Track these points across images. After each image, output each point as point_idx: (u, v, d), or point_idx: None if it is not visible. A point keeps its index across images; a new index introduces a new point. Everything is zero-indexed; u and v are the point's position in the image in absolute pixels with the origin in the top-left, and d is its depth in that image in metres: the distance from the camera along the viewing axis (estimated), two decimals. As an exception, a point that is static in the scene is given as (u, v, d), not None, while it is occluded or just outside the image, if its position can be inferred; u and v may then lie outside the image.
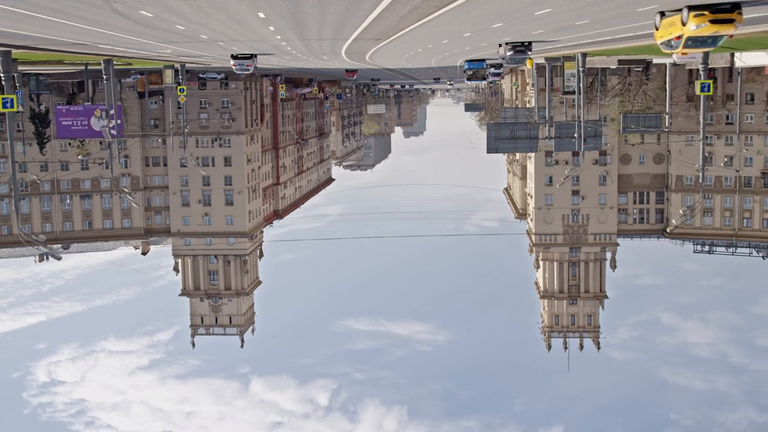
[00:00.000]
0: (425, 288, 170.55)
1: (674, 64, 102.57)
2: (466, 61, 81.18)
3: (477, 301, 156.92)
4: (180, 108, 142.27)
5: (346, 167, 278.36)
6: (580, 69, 70.60)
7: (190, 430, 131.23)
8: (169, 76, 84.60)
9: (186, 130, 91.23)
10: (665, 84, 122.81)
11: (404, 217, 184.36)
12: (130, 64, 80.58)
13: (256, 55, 66.33)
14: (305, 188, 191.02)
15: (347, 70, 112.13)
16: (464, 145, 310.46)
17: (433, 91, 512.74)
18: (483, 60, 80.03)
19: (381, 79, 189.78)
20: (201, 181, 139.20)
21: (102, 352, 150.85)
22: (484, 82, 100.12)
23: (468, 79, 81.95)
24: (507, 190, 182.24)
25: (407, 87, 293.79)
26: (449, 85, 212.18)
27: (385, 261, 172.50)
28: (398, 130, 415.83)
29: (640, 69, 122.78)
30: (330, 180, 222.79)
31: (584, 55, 70.46)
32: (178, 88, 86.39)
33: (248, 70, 68.56)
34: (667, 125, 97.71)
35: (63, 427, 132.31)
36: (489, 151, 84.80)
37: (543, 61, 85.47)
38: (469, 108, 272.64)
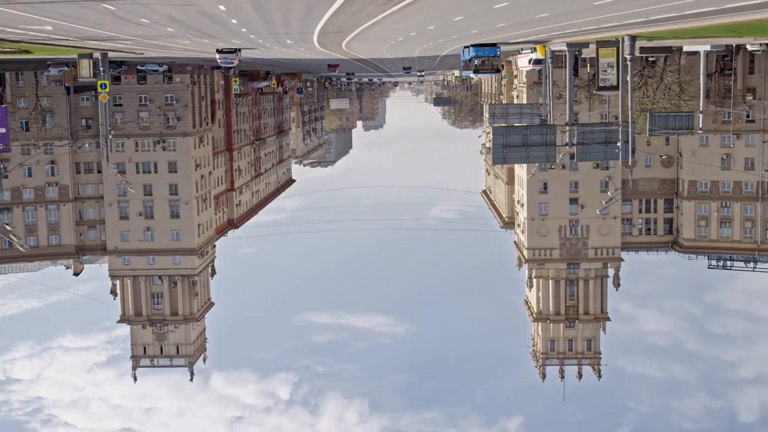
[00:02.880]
0: (385, 281, 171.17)
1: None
2: (472, 46, 63.18)
3: (437, 293, 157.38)
4: (119, 106, 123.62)
5: (306, 165, 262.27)
6: (627, 57, 52.99)
7: (150, 426, 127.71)
8: (86, 68, 65.82)
9: (110, 137, 72.83)
10: (688, 76, 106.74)
11: (364, 210, 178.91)
12: (29, 51, 61.65)
13: (240, 50, 68.32)
14: (264, 192, 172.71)
15: (329, 65, 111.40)
16: (429, 137, 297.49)
17: (395, 84, 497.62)
18: (495, 45, 62.23)
19: (354, 72, 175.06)
20: (142, 190, 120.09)
21: (59, 349, 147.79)
22: (485, 75, 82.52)
23: (475, 72, 63.89)
24: (487, 194, 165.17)
25: (375, 80, 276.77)
26: (419, 76, 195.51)
27: (344, 254, 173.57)
28: (359, 124, 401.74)
29: (650, 60, 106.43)
30: (290, 181, 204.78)
31: (633, 38, 53.05)
32: (99, 83, 67.59)
33: (232, 63, 72.06)
34: (701, 126, 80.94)
35: (19, 425, 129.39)
36: (495, 161, 67.10)
37: (563, 48, 68.07)
38: (438, 102, 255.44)
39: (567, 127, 66.87)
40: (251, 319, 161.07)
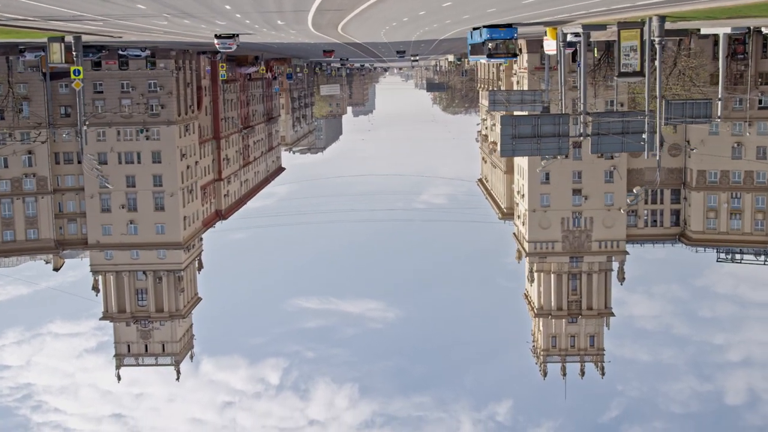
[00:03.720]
0: (375, 267, 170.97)
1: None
2: (485, 27, 57.30)
3: (427, 279, 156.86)
4: (100, 93, 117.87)
5: (296, 152, 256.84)
6: (655, 39, 47.72)
7: (140, 412, 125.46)
8: (56, 53, 60.11)
9: (85, 128, 67.17)
10: (699, 61, 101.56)
11: (354, 196, 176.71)
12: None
13: (238, 35, 68.89)
14: (253, 181, 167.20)
15: (325, 50, 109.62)
16: (421, 123, 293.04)
17: (386, 69, 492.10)
18: (512, 26, 56.48)
19: (349, 58, 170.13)
20: (124, 181, 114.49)
21: (48, 335, 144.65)
22: (500, 61, 76.23)
23: (489, 56, 57.75)
24: (483, 183, 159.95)
25: (367, 66, 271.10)
26: (413, 61, 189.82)
27: (334, 240, 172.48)
28: (348, 110, 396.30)
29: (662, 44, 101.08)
30: (280, 169, 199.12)
31: (662, 18, 47.77)
32: (72, 69, 61.94)
33: (231, 48, 71.48)
34: (719, 114, 75.79)
35: (9, 411, 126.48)
36: (504, 154, 61.88)
37: (577, 30, 62.76)
38: (431, 88, 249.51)
39: (581, 117, 61.47)
40: (241, 305, 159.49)
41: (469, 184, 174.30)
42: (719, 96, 74.33)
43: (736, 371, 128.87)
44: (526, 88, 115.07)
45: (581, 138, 62.50)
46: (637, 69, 52.18)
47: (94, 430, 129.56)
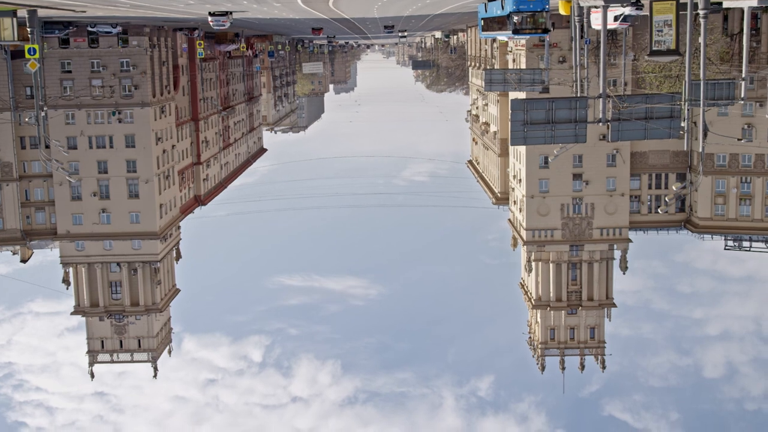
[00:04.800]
0: (358, 245, 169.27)
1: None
2: None
3: (408, 255, 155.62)
4: (68, 72, 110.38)
5: (278, 132, 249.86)
6: (700, 12, 41.28)
7: (122, 390, 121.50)
8: (8, 29, 52.96)
9: (43, 112, 60.17)
10: (717, 37, 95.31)
11: (337, 174, 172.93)
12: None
13: (231, 12, 70.59)
14: (234, 164, 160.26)
15: (314, 28, 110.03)
16: (405, 101, 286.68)
17: (368, 47, 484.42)
18: None
19: (336, 35, 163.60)
20: (96, 167, 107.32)
21: (29, 314, 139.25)
22: (525, 38, 68.68)
23: (515, 32, 50.46)
24: (474, 165, 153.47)
25: (352, 43, 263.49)
26: (401, 37, 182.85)
27: (317, 218, 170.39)
28: (330, 88, 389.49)
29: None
30: (262, 150, 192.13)
31: (706, -13, 41.28)
32: (27, 48, 54.84)
33: (224, 26, 73.97)
34: (743, 96, 69.38)
35: None
36: (515, 143, 55.01)
37: (596, 2, 56.24)
38: (417, 65, 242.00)
39: (600, 101, 54.96)
40: (223, 282, 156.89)
41: (458, 166, 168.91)
42: (743, 75, 67.85)
43: (715, 345, 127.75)
44: (523, 66, 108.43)
45: (600, 124, 55.95)
46: (672, 47, 45.82)
47: (76, 409, 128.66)
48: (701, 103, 41.60)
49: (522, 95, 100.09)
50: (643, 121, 53.24)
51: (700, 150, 42.73)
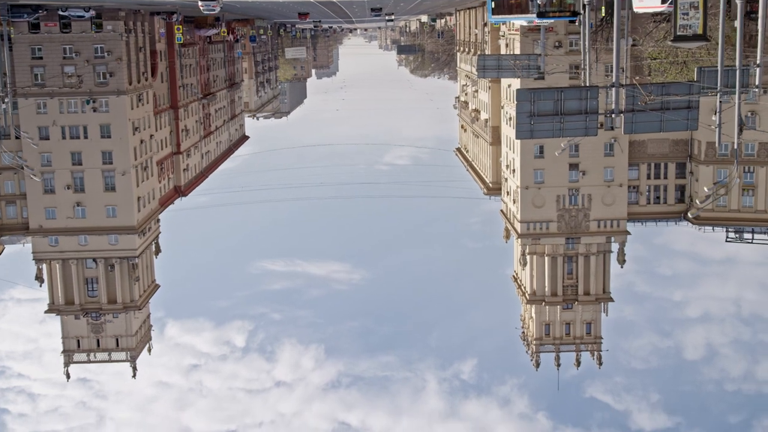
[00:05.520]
0: (341, 229, 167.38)
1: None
2: None
3: (392, 240, 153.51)
4: (39, 59, 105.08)
5: (260, 118, 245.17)
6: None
7: (105, 376, 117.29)
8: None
9: (9, 100, 55.44)
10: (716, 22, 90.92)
11: (320, 159, 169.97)
12: None
13: None
14: (215, 152, 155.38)
15: (300, 13, 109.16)
16: (389, 86, 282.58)
17: (351, 31, 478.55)
18: None
19: (321, 20, 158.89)
20: (70, 158, 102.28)
21: (11, 301, 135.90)
22: (551, 21, 63.84)
23: (540, 16, 45.97)
24: (462, 153, 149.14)
25: (336, 27, 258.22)
26: (388, 20, 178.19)
27: (299, 203, 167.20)
28: (312, 73, 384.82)
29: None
30: (244, 138, 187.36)
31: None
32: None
33: (214, 10, 75.09)
34: (757, 83, 65.18)
35: None
36: (520, 136, 50.77)
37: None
38: (402, 50, 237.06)
39: (612, 90, 50.65)
40: (205, 267, 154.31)
41: (445, 154, 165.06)
42: (757, 61, 63.62)
43: (695, 327, 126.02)
44: (517, 51, 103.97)
45: (612, 116, 51.61)
46: (699, 31, 41.49)
47: (59, 395, 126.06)
48: (737, 92, 37.32)
49: (516, 82, 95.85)
50: (658, 112, 49.08)
51: (735, 146, 38.36)
